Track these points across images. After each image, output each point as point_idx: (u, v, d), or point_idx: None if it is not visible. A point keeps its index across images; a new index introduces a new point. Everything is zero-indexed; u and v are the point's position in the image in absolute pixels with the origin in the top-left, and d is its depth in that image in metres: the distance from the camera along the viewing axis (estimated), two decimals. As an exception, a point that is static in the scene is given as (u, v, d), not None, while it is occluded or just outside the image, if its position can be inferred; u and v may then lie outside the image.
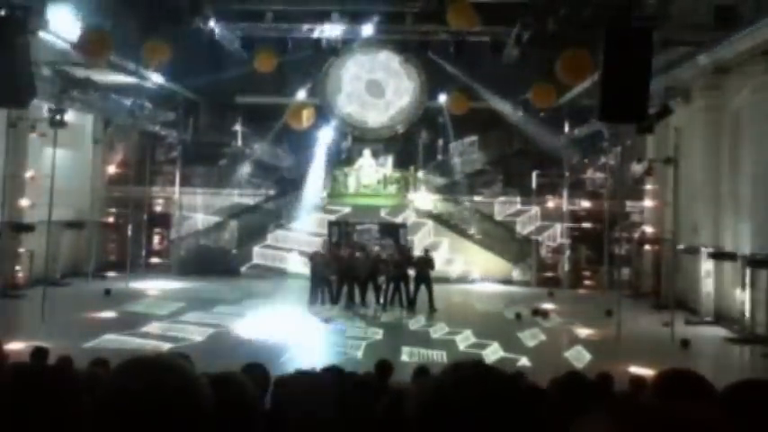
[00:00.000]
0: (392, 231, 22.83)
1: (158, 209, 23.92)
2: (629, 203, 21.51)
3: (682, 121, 17.35)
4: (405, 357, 11.28)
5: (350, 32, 21.02)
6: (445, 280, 20.03)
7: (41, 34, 14.83)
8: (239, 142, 24.46)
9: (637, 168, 20.64)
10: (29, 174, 17.68)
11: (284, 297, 18.22)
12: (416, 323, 15.10)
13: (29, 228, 17.38)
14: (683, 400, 1.06)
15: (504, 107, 23.12)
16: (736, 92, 15.82)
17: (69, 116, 16.95)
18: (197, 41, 20.50)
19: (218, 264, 22.50)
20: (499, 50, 21.04)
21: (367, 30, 20.73)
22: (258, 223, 23.50)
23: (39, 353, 7.13)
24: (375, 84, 24.61)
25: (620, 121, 14.49)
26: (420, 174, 23.64)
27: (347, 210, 23.27)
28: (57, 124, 16.11)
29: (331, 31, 20.74)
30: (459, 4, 16.78)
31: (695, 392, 2.18)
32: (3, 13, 11.56)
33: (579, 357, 12.01)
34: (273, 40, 20.91)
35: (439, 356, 11.52)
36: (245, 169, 24.37)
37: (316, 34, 20.99)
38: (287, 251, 22.87)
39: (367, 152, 24.00)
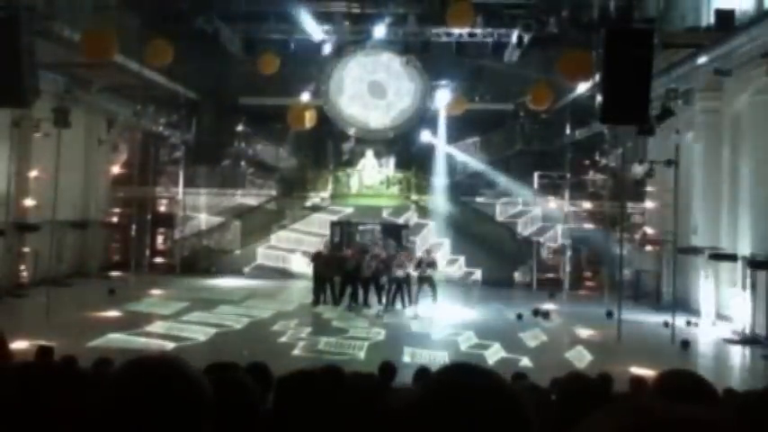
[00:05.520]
0: (394, 232, 22.89)
1: (162, 209, 23.98)
2: (629, 205, 21.53)
3: (682, 122, 17.38)
4: (407, 358, 11.33)
5: (353, 34, 21.10)
6: (446, 281, 20.07)
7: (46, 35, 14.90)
8: (242, 143, 24.53)
9: (638, 170, 20.66)
10: (33, 174, 17.76)
11: (287, 297, 18.30)
12: (418, 324, 15.15)
13: (33, 227, 17.45)
14: (683, 401, 1.08)
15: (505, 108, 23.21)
16: (736, 94, 15.85)
17: (73, 116, 17.02)
18: (200, 42, 20.57)
19: (221, 264, 22.59)
20: (500, 52, 21.10)
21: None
22: (261, 224, 23.56)
23: (43, 352, 7.17)
24: (377, 85, 24.65)
25: (622, 123, 14.54)
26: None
27: (349, 210, 23.34)
28: (60, 124, 16.19)
29: (334, 32, 20.83)
30: (459, 3, 16.85)
31: (695, 393, 2.21)
32: (7, 14, 11.65)
33: (580, 358, 12.05)
34: (276, 42, 20.99)
35: (441, 357, 11.56)
36: (248, 170, 24.45)
37: (318, 36, 21.08)
38: (290, 252, 22.94)
39: (369, 153, 24.08)
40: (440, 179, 23.63)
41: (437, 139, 23.76)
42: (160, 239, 24.11)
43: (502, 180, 23.17)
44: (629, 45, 10.30)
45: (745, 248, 15.02)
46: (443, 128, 23.79)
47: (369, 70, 24.62)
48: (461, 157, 24.22)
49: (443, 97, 22.94)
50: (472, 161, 24.20)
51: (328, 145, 24.33)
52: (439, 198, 23.36)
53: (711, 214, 16.76)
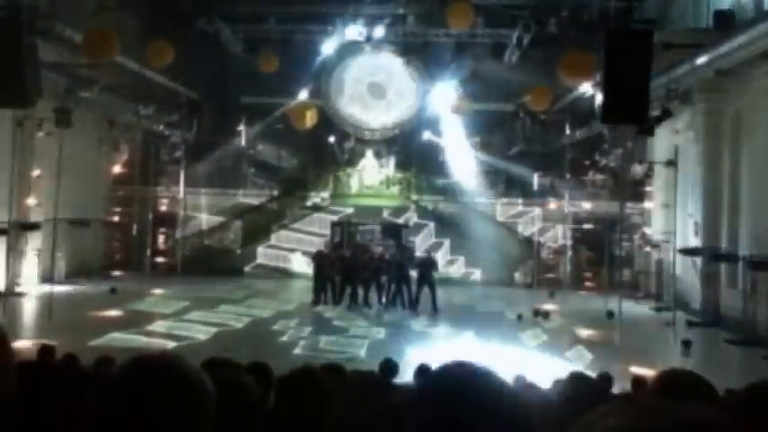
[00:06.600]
0: (394, 232, 22.93)
1: (163, 208, 24.01)
2: (629, 205, 21.56)
3: (682, 123, 17.41)
4: (408, 356, 11.35)
5: (353, 35, 21.14)
6: (446, 281, 20.10)
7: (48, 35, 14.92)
8: (243, 143, 24.56)
9: (637, 170, 20.69)
10: (35, 173, 17.81)
11: (288, 297, 18.33)
12: (419, 323, 15.18)
13: (35, 226, 17.51)
14: (682, 401, 1.08)
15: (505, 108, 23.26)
16: (736, 94, 15.87)
17: (75, 116, 17.07)
18: (201, 42, 20.59)
19: (222, 263, 22.63)
20: (500, 52, 21.11)
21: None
22: (262, 223, 23.62)
23: (45, 351, 7.21)
24: (377, 85, 24.67)
25: (622, 123, 14.56)
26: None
27: (350, 210, 23.39)
28: (62, 124, 16.24)
29: (333, 33, 20.88)
30: (459, 4, 16.86)
31: (695, 393, 2.20)
32: (9, 14, 11.68)
33: (580, 358, 12.06)
34: (277, 42, 21.04)
35: (441, 356, 11.58)
36: (249, 170, 24.49)
37: (318, 36, 21.15)
38: (290, 251, 22.99)
39: (369, 153, 24.13)
40: (440, 179, 23.68)
41: (438, 139, 23.78)
42: (161, 239, 24.14)
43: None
44: (629, 46, 10.29)
45: (745, 249, 15.04)
46: (445, 128, 23.81)
47: (369, 71, 24.64)
48: (463, 156, 24.20)
49: (443, 97, 22.95)
50: (473, 161, 24.18)
51: (329, 145, 24.35)
52: (439, 198, 23.43)
53: (711, 214, 16.77)
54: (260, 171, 24.79)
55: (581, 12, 17.51)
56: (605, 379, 6.50)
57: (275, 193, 24.26)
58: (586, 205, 22.71)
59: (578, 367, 9.96)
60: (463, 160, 23.75)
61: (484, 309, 17.79)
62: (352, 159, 24.50)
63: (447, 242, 22.75)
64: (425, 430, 1.16)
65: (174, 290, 18.66)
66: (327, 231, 22.84)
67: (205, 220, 23.84)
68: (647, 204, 21.48)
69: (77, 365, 6.14)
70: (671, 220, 16.79)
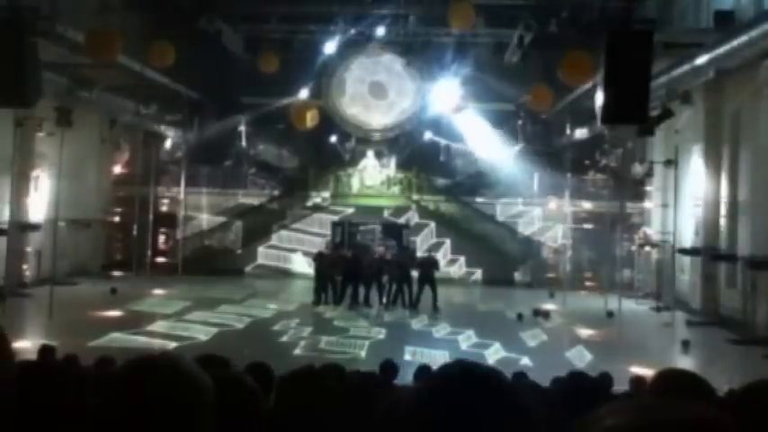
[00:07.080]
0: (395, 232, 22.94)
1: (164, 209, 24.01)
2: (629, 205, 21.56)
3: (682, 123, 17.41)
4: (408, 357, 11.37)
5: (354, 35, 21.18)
6: (447, 281, 20.10)
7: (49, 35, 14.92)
8: (244, 143, 24.56)
9: (637, 170, 20.68)
10: (35, 172, 17.81)
11: (288, 297, 18.34)
12: (419, 323, 15.19)
13: (35, 227, 17.51)
14: (680, 401, 1.09)
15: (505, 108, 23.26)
16: (736, 94, 15.87)
17: (75, 116, 17.07)
18: (202, 42, 20.60)
19: (222, 264, 22.64)
20: (501, 52, 21.13)
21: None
22: (263, 223, 23.62)
23: (45, 351, 7.21)
24: (378, 85, 24.70)
25: (622, 123, 14.56)
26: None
27: (351, 210, 23.40)
28: (63, 124, 16.25)
29: (335, 33, 20.91)
30: (460, 4, 16.87)
31: (693, 393, 2.21)
32: (10, 14, 11.69)
33: (580, 357, 12.06)
34: (278, 42, 21.06)
35: (441, 356, 11.58)
36: (250, 170, 24.51)
37: (320, 36, 21.19)
38: (291, 251, 23.00)
39: (370, 153, 24.16)
40: (441, 179, 23.67)
41: (439, 139, 23.79)
42: (162, 239, 24.14)
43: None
44: (629, 46, 10.29)
45: (744, 249, 15.03)
46: (445, 128, 23.81)
47: (370, 71, 24.67)
48: (462, 157, 24.19)
49: (444, 97, 22.95)
50: (473, 161, 24.19)
51: (330, 145, 24.37)
52: (440, 198, 23.42)
53: (711, 214, 16.78)
54: (261, 171, 24.80)
55: (581, 12, 17.52)
56: (605, 379, 6.51)
57: (276, 193, 24.27)
58: (587, 205, 22.71)
59: (578, 367, 9.97)
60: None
61: (484, 309, 17.81)
62: (354, 159, 24.53)
63: (448, 242, 22.74)
64: (425, 431, 1.16)
65: (174, 290, 18.66)
66: (328, 231, 22.83)
67: (206, 220, 23.85)
68: (647, 204, 21.48)
69: (77, 366, 6.15)
70: (671, 220, 16.78)
